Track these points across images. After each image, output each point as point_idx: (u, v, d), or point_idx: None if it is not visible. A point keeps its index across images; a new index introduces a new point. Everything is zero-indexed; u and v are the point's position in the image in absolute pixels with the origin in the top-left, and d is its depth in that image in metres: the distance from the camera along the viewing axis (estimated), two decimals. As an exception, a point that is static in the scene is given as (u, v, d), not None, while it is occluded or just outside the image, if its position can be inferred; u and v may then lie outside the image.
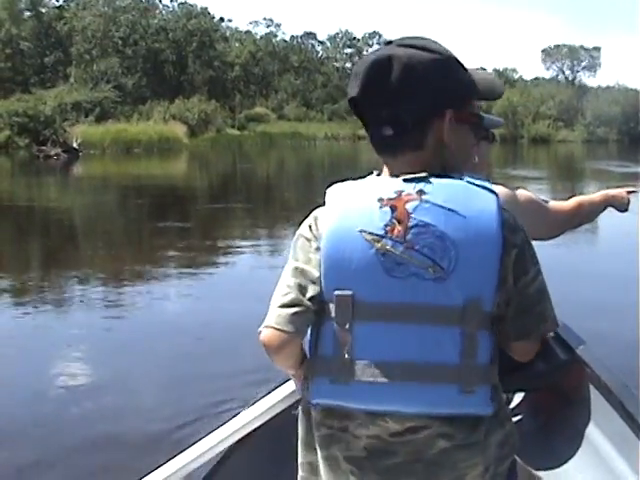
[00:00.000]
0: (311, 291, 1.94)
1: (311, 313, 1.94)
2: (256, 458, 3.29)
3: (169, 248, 14.58)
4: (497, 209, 1.85)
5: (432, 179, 1.89)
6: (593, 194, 3.66)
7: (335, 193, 1.98)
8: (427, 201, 1.85)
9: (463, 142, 2.02)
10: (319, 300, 1.93)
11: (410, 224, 1.83)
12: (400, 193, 1.87)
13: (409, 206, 1.85)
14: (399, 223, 1.84)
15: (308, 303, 1.93)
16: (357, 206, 1.91)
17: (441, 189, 1.87)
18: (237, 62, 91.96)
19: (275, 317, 1.94)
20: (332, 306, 1.90)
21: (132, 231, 17.66)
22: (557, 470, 3.54)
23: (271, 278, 2.18)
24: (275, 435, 3.04)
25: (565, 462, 3.58)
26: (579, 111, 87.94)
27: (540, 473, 2.60)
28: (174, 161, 44.80)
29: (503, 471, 1.96)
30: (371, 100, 1.95)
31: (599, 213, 3.68)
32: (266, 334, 1.96)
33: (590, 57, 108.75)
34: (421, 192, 1.86)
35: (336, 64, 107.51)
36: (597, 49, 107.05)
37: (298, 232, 2.03)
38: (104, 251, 14.81)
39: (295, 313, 1.93)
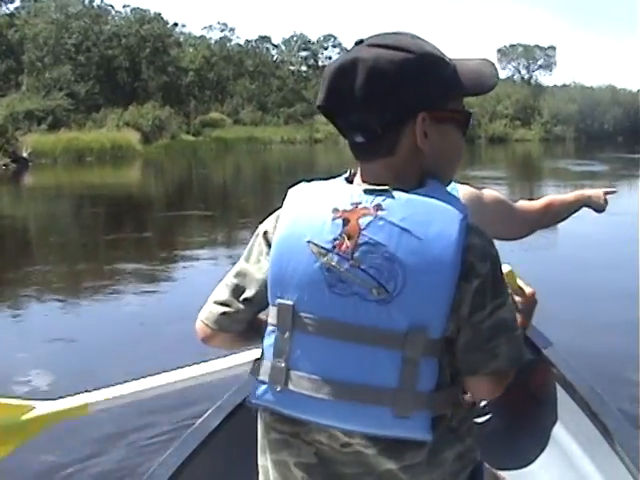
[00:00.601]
0: (249, 293, 1.98)
1: (243, 313, 2.00)
2: (219, 459, 3.31)
3: (124, 261, 13.92)
4: (459, 233, 1.73)
5: (395, 193, 1.79)
6: (567, 194, 3.66)
7: (295, 195, 1.93)
8: (382, 218, 1.76)
9: (449, 142, 1.91)
10: (264, 302, 1.93)
11: (360, 241, 1.76)
12: (357, 205, 1.80)
13: (362, 221, 1.77)
14: (349, 238, 1.77)
15: (240, 306, 1.99)
16: (310, 214, 1.85)
17: (400, 205, 1.77)
18: (191, 67, 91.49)
19: (206, 312, 2.05)
20: (275, 312, 1.87)
21: (83, 243, 16.94)
22: (523, 469, 3.62)
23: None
24: (238, 436, 3.03)
25: (531, 461, 3.68)
26: (536, 110, 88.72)
27: (506, 472, 2.45)
28: (127, 169, 43.92)
29: None
30: (337, 107, 1.88)
31: (572, 213, 3.66)
32: (197, 325, 2.07)
33: (546, 56, 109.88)
34: (378, 207, 1.78)
35: (291, 67, 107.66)
36: (552, 48, 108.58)
37: (258, 229, 2.02)
38: (53, 266, 14.11)
39: (223, 313, 2.00)
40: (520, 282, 2.91)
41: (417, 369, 1.75)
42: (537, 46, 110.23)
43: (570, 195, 3.65)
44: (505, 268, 2.37)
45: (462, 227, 1.75)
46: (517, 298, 2.59)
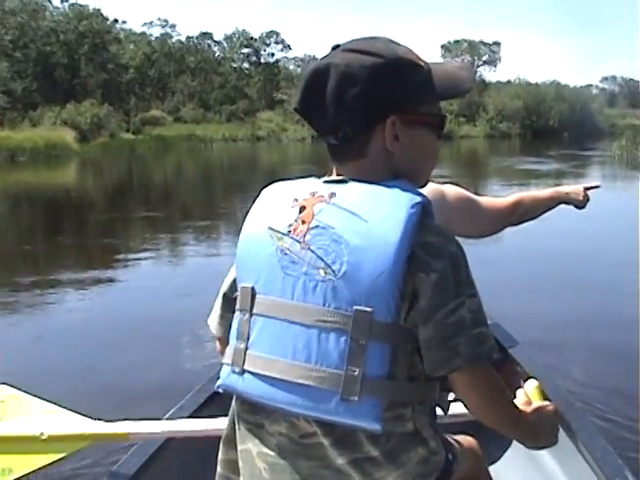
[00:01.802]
0: (228, 289, 2.15)
1: (227, 319, 2.09)
2: (187, 454, 3.31)
3: (61, 268, 12.91)
4: (407, 218, 1.76)
5: (352, 182, 1.89)
6: (541, 191, 3.69)
7: (265, 192, 2.04)
8: (334, 204, 1.85)
9: (421, 145, 1.97)
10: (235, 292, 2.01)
11: (312, 225, 1.84)
12: (314, 194, 1.90)
13: (316, 207, 1.87)
14: (302, 223, 1.86)
15: (220, 310, 2.19)
16: (274, 205, 1.97)
17: (353, 192, 1.86)
18: (132, 64, 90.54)
19: (210, 322, 2.26)
20: (239, 296, 1.98)
21: (11, 250, 15.66)
22: (489, 468, 3.39)
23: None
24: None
25: (496, 460, 3.76)
26: (481, 106, 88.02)
27: None
28: (62, 169, 42.30)
29: None
30: (311, 110, 1.96)
31: (546, 210, 3.68)
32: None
33: (490, 52, 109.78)
34: (332, 195, 1.87)
35: (233, 64, 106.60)
36: (497, 44, 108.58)
37: None
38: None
39: (219, 321, 2.21)
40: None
41: (365, 352, 1.76)
42: (481, 42, 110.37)
43: (544, 192, 3.66)
44: (532, 384, 2.45)
45: (411, 215, 1.76)
46: (552, 419, 2.21)
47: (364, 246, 1.78)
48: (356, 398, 1.77)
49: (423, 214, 1.81)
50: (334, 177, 1.95)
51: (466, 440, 2.31)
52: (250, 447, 1.98)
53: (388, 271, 1.75)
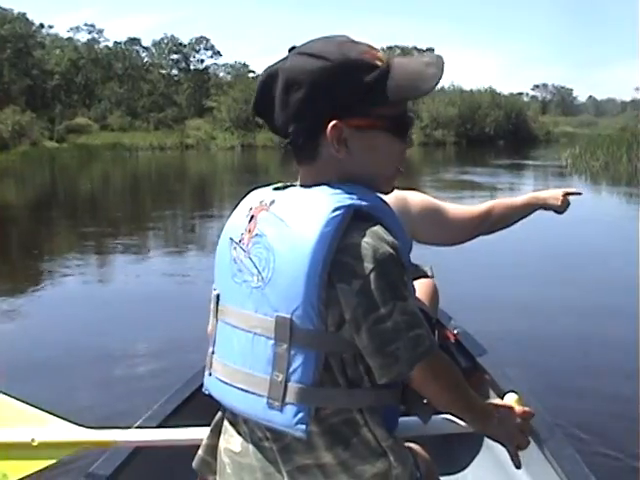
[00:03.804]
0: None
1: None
2: (158, 461, 3.28)
3: None
4: (327, 225, 1.77)
5: (292, 189, 1.96)
6: (516, 197, 3.68)
7: (242, 201, 2.08)
8: (271, 212, 1.89)
9: (375, 149, 1.95)
10: None
11: (253, 233, 1.91)
12: (261, 202, 1.95)
13: (260, 216, 1.92)
14: (249, 232, 1.92)
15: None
16: (236, 215, 2.03)
17: (287, 199, 1.90)
18: (57, 70, 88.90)
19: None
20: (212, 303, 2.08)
21: None
22: (457, 475, 3.80)
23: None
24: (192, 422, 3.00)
25: (464, 467, 3.88)
26: (415, 113, 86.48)
27: (441, 478, 2.37)
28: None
29: None
30: (265, 114, 1.98)
31: (522, 217, 3.65)
32: None
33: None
34: (272, 202, 1.91)
35: (162, 71, 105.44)
36: (431, 50, 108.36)
37: None
38: None
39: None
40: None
41: (288, 359, 1.80)
42: (415, 48, 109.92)
43: (519, 198, 3.65)
44: (512, 397, 2.39)
45: (331, 219, 1.77)
46: (517, 419, 2.14)
47: (286, 253, 1.81)
48: (279, 403, 1.82)
49: (354, 216, 1.79)
50: (282, 184, 2.00)
51: (416, 447, 2.21)
52: (221, 442, 2.08)
53: (304, 278, 1.77)
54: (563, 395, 6.04)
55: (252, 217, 1.94)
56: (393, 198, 3.05)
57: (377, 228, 1.82)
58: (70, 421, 3.09)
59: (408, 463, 1.96)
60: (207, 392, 2.10)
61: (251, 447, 1.95)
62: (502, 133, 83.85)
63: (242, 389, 1.90)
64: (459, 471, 3.84)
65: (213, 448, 2.14)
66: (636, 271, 9.25)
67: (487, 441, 3.75)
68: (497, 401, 2.23)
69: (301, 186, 1.97)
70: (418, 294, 3.28)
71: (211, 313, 2.09)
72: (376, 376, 1.84)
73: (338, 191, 1.84)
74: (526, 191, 19.61)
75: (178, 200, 25.54)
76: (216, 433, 2.15)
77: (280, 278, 1.81)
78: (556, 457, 3.13)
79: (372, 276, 1.77)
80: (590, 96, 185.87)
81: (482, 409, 2.08)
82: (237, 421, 2.02)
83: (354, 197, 1.82)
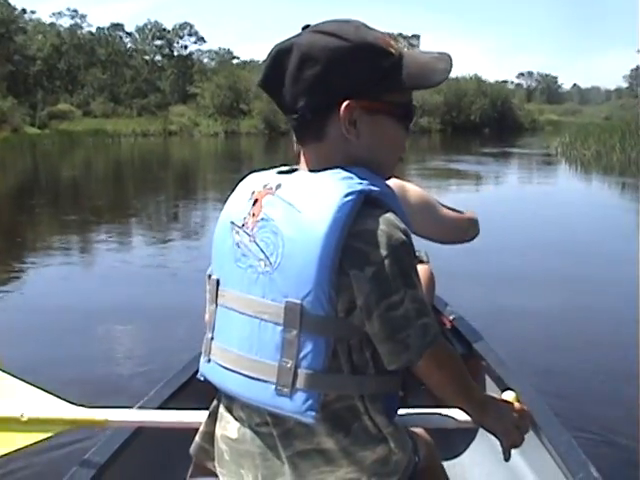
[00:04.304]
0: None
1: None
2: (159, 442, 3.29)
3: None
4: (339, 209, 1.76)
5: (299, 173, 1.95)
6: None
7: (240, 184, 2.07)
8: (278, 195, 1.86)
9: (381, 133, 1.95)
10: None
11: (259, 217, 1.88)
12: (265, 186, 1.92)
13: (265, 200, 1.89)
14: (253, 216, 1.90)
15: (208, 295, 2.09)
16: (237, 198, 2.01)
17: (295, 183, 1.88)
18: (39, 56, 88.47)
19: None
20: (209, 287, 2.06)
21: None
22: (454, 462, 3.79)
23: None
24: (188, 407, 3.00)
25: (461, 454, 3.89)
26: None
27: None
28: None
29: None
30: (273, 88, 1.95)
31: None
32: None
33: (409, 45, 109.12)
34: (278, 186, 1.89)
35: (145, 57, 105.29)
36: (416, 37, 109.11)
37: None
38: None
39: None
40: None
41: (297, 345, 1.79)
42: (400, 34, 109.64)
43: None
44: (509, 395, 2.42)
45: (343, 204, 1.75)
46: (514, 415, 2.17)
47: (296, 237, 1.78)
48: (288, 390, 1.80)
49: (365, 202, 1.78)
50: (287, 167, 1.98)
51: (418, 431, 2.26)
52: (217, 429, 2.07)
53: (316, 263, 1.75)
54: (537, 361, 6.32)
55: (256, 201, 1.92)
56: (392, 185, 3.12)
57: (389, 215, 1.81)
58: (62, 398, 3.06)
59: (407, 449, 1.97)
60: (202, 378, 2.09)
61: (249, 433, 1.95)
62: (488, 121, 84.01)
63: (247, 375, 1.88)
64: (456, 457, 3.86)
65: (210, 435, 2.13)
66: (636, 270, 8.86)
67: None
68: (494, 395, 2.28)
69: (309, 170, 1.94)
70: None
71: (208, 298, 2.06)
72: (385, 362, 1.84)
73: (348, 175, 1.82)
74: (514, 181, 19.52)
75: (160, 188, 25.16)
76: (213, 420, 2.13)
77: (290, 263, 1.80)
78: (553, 444, 3.14)
79: (386, 263, 1.77)
80: (574, 84, 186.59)
81: (482, 400, 2.09)
82: (233, 407, 2.01)
83: (364, 182, 1.81)
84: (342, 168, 1.86)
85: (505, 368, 3.67)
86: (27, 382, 3.11)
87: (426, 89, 2.02)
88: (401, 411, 2.09)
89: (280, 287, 1.81)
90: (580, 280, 9.60)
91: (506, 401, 2.21)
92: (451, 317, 4.53)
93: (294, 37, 1.91)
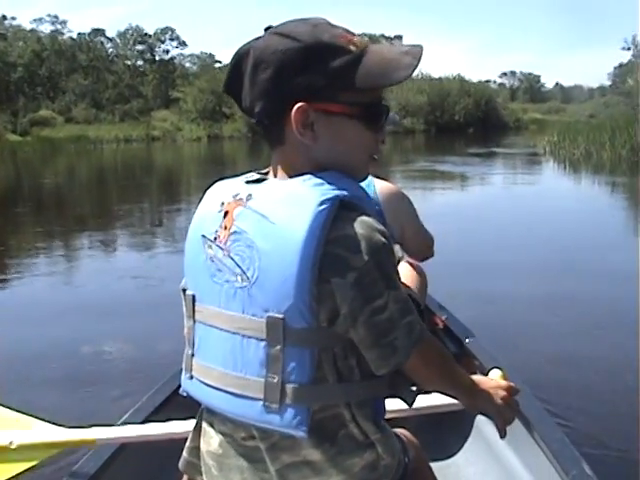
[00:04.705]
0: (185, 285, 2.06)
1: None
2: (144, 457, 3.30)
3: None
4: (315, 219, 1.72)
5: (269, 181, 1.92)
6: None
7: (206, 194, 2.03)
8: (249, 207, 1.83)
9: (342, 135, 1.90)
10: None
11: (231, 230, 1.85)
12: (235, 197, 1.88)
13: (236, 212, 1.85)
14: (225, 229, 1.86)
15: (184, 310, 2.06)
16: (206, 210, 1.97)
17: (266, 193, 1.85)
18: (20, 62, 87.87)
19: None
20: (185, 303, 2.02)
21: None
22: (447, 461, 3.87)
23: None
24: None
25: (455, 453, 3.96)
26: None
27: (431, 464, 2.43)
28: None
29: None
30: (235, 94, 1.94)
31: None
32: None
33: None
34: (249, 197, 1.85)
35: (127, 62, 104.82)
36: (399, 37, 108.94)
37: None
38: None
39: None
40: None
41: (281, 359, 1.77)
42: (382, 35, 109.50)
43: None
44: (496, 373, 2.56)
45: (319, 212, 1.72)
46: (503, 392, 2.20)
47: (272, 250, 1.75)
48: (277, 405, 1.78)
49: (340, 207, 1.75)
50: (256, 176, 1.95)
51: (404, 432, 2.25)
52: (202, 444, 2.05)
53: (295, 276, 1.72)
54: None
55: (226, 213, 1.87)
56: (387, 190, 3.58)
57: (366, 218, 1.77)
58: (50, 422, 3.07)
59: (396, 451, 1.96)
60: (185, 394, 2.05)
61: (234, 448, 1.94)
62: (472, 120, 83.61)
63: (233, 393, 1.85)
64: (450, 456, 3.91)
65: (197, 449, 2.11)
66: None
67: (477, 426, 3.90)
68: (481, 376, 2.25)
69: (277, 176, 1.91)
70: (408, 281, 3.52)
71: (185, 313, 2.02)
72: (373, 368, 1.82)
73: (319, 181, 1.79)
74: (502, 183, 19.32)
75: (144, 194, 25.06)
76: (198, 434, 2.11)
77: (268, 277, 1.76)
78: (546, 441, 3.17)
79: (367, 267, 1.74)
80: (557, 83, 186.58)
81: (471, 386, 2.07)
82: (215, 422, 2.00)
83: (337, 187, 1.78)
84: (312, 174, 1.81)
85: (498, 364, 3.55)
86: (13, 409, 3.14)
87: (388, 87, 1.94)
88: (387, 405, 2.06)
89: (260, 302, 1.78)
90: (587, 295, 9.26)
91: (493, 381, 2.21)
92: (444, 317, 4.61)
93: (253, 40, 1.90)
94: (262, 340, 1.79)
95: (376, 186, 3.72)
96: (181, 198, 23.87)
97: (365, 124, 1.90)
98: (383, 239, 1.77)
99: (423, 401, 2.44)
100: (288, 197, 1.79)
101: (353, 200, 1.79)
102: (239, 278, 1.81)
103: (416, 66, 1.88)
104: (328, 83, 1.83)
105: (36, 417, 3.09)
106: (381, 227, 1.79)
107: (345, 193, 1.78)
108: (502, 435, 2.14)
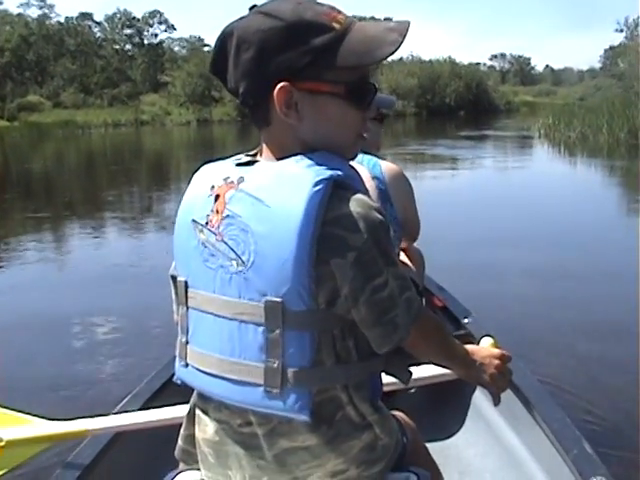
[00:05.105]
0: (174, 272, 2.03)
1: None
2: (141, 444, 3.30)
3: None
4: (310, 200, 1.70)
5: (260, 164, 1.89)
6: None
7: (194, 178, 2.01)
8: (242, 190, 1.80)
9: (326, 114, 1.87)
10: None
11: (224, 215, 1.82)
12: (226, 180, 1.86)
13: (227, 195, 1.83)
14: (217, 213, 1.84)
15: (172, 288, 2.04)
16: (195, 194, 1.94)
17: (258, 175, 1.82)
18: (7, 47, 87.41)
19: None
20: (177, 290, 1.99)
21: None
22: (448, 442, 3.86)
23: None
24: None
25: (455, 434, 3.95)
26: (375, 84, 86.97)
27: (431, 445, 2.48)
28: None
29: (374, 474, 1.94)
30: (221, 75, 1.92)
31: None
32: None
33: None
34: (241, 180, 1.83)
35: (115, 46, 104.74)
36: (389, 19, 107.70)
37: None
38: None
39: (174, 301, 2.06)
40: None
41: (281, 343, 1.76)
42: (373, 18, 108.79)
43: None
44: (487, 341, 2.57)
45: (314, 193, 1.70)
46: (496, 361, 2.24)
47: (268, 233, 1.73)
48: (278, 390, 1.77)
49: (336, 187, 1.73)
50: (246, 158, 1.92)
51: (399, 414, 2.24)
52: (197, 432, 2.03)
53: (292, 257, 1.70)
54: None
55: (217, 196, 1.84)
56: (393, 171, 3.78)
57: (360, 196, 1.77)
58: (40, 416, 3.07)
59: (394, 432, 1.97)
60: (180, 382, 2.02)
61: (230, 435, 1.92)
62: (463, 103, 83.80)
63: (231, 379, 1.83)
64: (449, 437, 3.91)
65: (192, 437, 2.08)
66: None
67: (477, 408, 3.92)
68: (475, 346, 2.23)
69: (270, 158, 1.88)
70: (406, 262, 3.61)
71: (175, 300, 2.00)
72: (375, 346, 1.82)
73: (311, 162, 1.77)
74: (495, 166, 19.08)
75: (133, 180, 24.82)
76: (192, 422, 2.09)
77: (265, 261, 1.74)
78: (547, 421, 3.18)
79: (366, 246, 1.73)
80: (547, 65, 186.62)
81: (465, 356, 2.09)
82: (210, 409, 1.97)
83: (329, 167, 1.76)
84: (303, 154, 1.79)
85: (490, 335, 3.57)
86: (2, 406, 3.11)
87: (373, 64, 1.90)
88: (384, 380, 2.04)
89: (257, 286, 1.76)
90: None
91: (486, 349, 2.22)
92: (442, 297, 4.69)
93: (237, 20, 1.86)
94: (260, 325, 1.76)
95: (382, 166, 3.78)
96: (171, 182, 23.69)
97: (350, 103, 1.87)
98: (380, 216, 1.76)
99: (416, 373, 2.38)
100: (281, 179, 1.76)
101: (346, 180, 1.77)
102: (234, 263, 1.78)
103: (401, 43, 1.83)
104: (311, 62, 1.80)
105: (25, 412, 3.08)
106: (376, 205, 1.79)
107: (339, 173, 1.75)
108: (496, 403, 2.18)
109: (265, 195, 1.75)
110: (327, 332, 1.80)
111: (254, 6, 1.89)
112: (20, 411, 3.09)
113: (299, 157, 1.80)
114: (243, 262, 1.77)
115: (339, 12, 1.86)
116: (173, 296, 2.06)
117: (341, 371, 1.83)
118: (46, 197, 21.41)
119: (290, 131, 1.86)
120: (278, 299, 1.74)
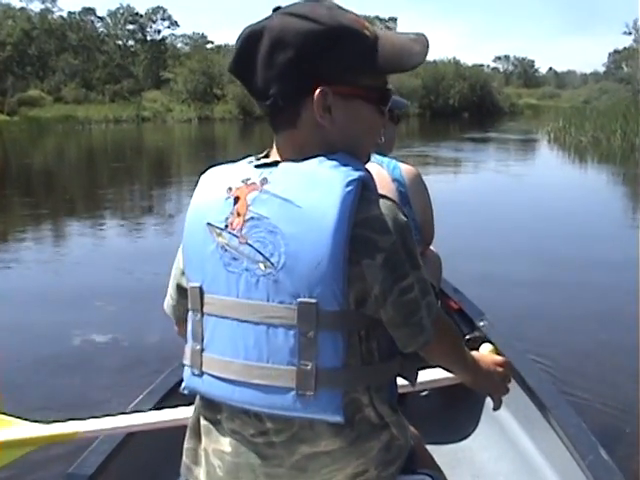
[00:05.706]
0: (180, 280, 2.03)
1: (182, 302, 2.03)
2: (150, 447, 3.30)
3: None
4: (343, 200, 1.70)
5: (283, 164, 1.85)
6: None
7: (202, 180, 1.99)
8: (267, 191, 1.79)
9: (357, 119, 1.90)
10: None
11: (247, 217, 1.81)
12: (246, 182, 1.84)
13: (249, 197, 1.81)
14: (238, 216, 1.82)
15: (175, 297, 2.08)
16: (209, 196, 1.91)
17: (284, 176, 1.80)
18: (9, 41, 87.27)
19: (165, 305, 2.16)
20: (189, 296, 1.96)
21: None
22: (462, 444, 3.87)
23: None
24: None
25: (469, 436, 3.94)
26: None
27: (445, 447, 2.62)
28: None
29: (390, 475, 1.94)
30: (244, 74, 1.89)
31: None
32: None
33: (386, 28, 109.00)
34: (264, 181, 1.81)
35: (118, 42, 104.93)
36: (393, 20, 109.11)
37: None
38: None
39: (172, 304, 2.11)
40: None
41: (315, 345, 1.75)
42: (377, 17, 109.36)
43: None
44: (487, 347, 2.56)
45: (347, 194, 1.70)
46: (499, 368, 2.30)
47: (300, 234, 1.72)
48: (312, 393, 1.75)
49: (363, 188, 1.74)
50: (265, 160, 1.90)
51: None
52: (206, 443, 1.97)
53: (327, 258, 1.70)
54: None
55: (237, 198, 1.82)
56: (412, 174, 3.80)
57: (385, 199, 1.79)
58: (27, 419, 3.06)
59: (407, 433, 1.98)
60: (186, 392, 1.99)
61: (244, 445, 1.88)
62: (467, 105, 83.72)
63: (258, 385, 1.80)
64: (462, 440, 3.91)
65: (193, 452, 2.04)
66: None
67: (489, 409, 3.75)
68: (479, 353, 2.30)
69: (288, 160, 1.84)
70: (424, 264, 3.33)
71: (190, 307, 1.94)
72: (401, 346, 1.84)
73: (337, 163, 1.77)
74: (502, 170, 18.60)
75: (134, 178, 24.56)
76: (196, 435, 2.03)
77: (297, 262, 1.72)
78: (562, 426, 3.15)
79: (395, 248, 1.75)
80: (550, 68, 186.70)
81: (473, 363, 2.13)
82: (222, 420, 1.92)
83: (354, 168, 1.76)
84: (325, 156, 1.79)
85: (512, 349, 3.66)
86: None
87: (403, 72, 1.93)
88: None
89: (288, 287, 1.74)
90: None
91: (489, 357, 2.28)
92: (458, 300, 4.71)
93: (265, 20, 1.85)
94: (291, 327, 1.74)
95: (401, 169, 3.77)
96: (172, 180, 23.40)
97: (377, 108, 1.90)
98: (405, 218, 1.79)
99: (430, 376, 2.46)
100: (310, 179, 1.74)
101: (370, 182, 1.78)
102: (261, 265, 1.76)
103: (427, 53, 1.87)
104: (349, 67, 1.82)
105: (15, 416, 3.07)
106: (401, 206, 1.81)
107: (365, 174, 1.76)
108: (497, 407, 2.26)
109: (294, 196, 1.73)
110: (354, 333, 1.78)
111: (278, 7, 1.88)
112: (12, 415, 3.07)
113: (322, 158, 1.77)
114: (272, 264, 1.74)
115: (364, 20, 1.88)
116: (171, 289, 2.08)
117: (365, 372, 1.82)
118: (45, 193, 21.19)
119: (318, 134, 1.84)
120: (312, 300, 1.72)
